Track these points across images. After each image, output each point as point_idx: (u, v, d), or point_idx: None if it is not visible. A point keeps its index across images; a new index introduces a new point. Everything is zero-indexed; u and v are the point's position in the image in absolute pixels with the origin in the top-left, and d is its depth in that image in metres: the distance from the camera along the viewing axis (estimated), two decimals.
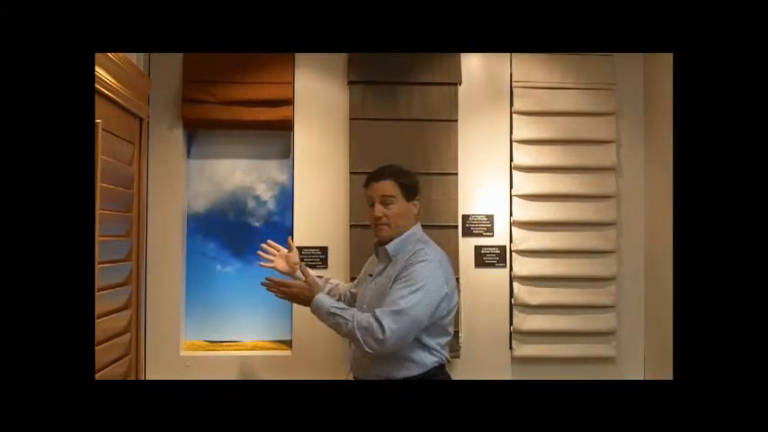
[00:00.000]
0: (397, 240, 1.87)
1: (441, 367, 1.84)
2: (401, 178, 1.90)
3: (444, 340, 1.84)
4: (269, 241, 2.14)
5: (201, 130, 2.65)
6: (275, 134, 2.65)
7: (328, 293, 2.03)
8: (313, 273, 2.03)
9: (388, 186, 1.88)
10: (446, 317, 1.82)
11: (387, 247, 1.88)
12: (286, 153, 2.68)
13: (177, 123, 2.58)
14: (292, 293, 1.88)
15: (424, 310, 1.73)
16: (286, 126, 2.59)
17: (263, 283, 1.89)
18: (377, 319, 1.70)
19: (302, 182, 2.61)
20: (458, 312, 2.20)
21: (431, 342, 1.80)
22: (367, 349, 1.73)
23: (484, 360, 2.61)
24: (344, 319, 1.76)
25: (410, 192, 1.90)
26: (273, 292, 1.89)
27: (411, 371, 1.78)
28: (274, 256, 2.12)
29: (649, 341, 2.67)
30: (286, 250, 2.13)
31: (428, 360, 1.80)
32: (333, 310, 1.79)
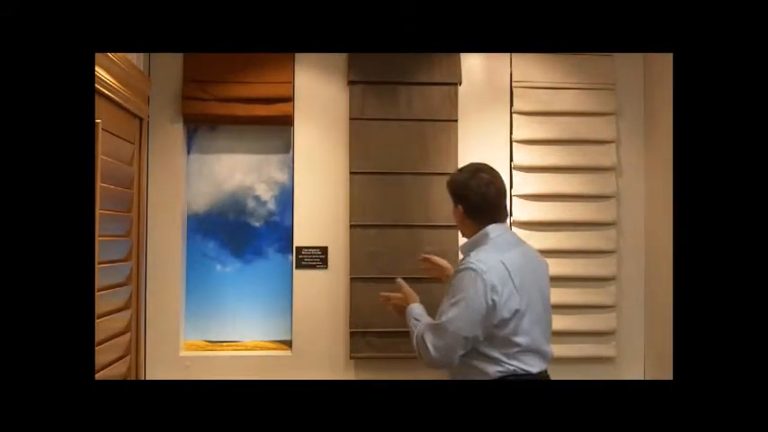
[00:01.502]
0: (467, 243, 1.84)
1: (513, 377, 1.71)
2: (446, 183, 1.91)
3: (512, 350, 1.70)
4: (424, 256, 2.22)
5: (201, 130, 2.65)
6: (275, 134, 2.65)
7: None
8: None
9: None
10: (502, 327, 1.68)
11: (460, 247, 1.89)
12: (286, 153, 2.68)
13: (177, 123, 2.58)
14: (393, 304, 2.02)
15: (463, 324, 1.66)
16: (286, 121, 2.59)
17: (381, 298, 2.08)
18: (422, 335, 1.75)
19: (302, 182, 2.61)
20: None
21: (492, 353, 1.70)
22: (424, 362, 1.76)
23: None
24: (413, 331, 1.83)
25: (452, 197, 1.88)
26: (382, 303, 2.06)
27: (475, 379, 1.74)
28: (432, 266, 2.21)
29: (649, 341, 2.67)
30: (441, 262, 2.21)
31: (490, 370, 1.70)
32: (411, 322, 1.87)
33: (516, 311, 1.68)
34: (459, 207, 1.83)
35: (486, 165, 1.92)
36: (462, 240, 1.92)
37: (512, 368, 1.70)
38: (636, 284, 2.70)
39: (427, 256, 2.17)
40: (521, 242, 1.87)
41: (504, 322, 1.68)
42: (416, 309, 1.90)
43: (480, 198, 1.79)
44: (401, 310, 1.97)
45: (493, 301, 1.66)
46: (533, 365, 1.74)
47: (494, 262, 1.70)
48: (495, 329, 1.68)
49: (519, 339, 1.70)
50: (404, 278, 2.49)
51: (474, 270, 1.68)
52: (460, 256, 1.88)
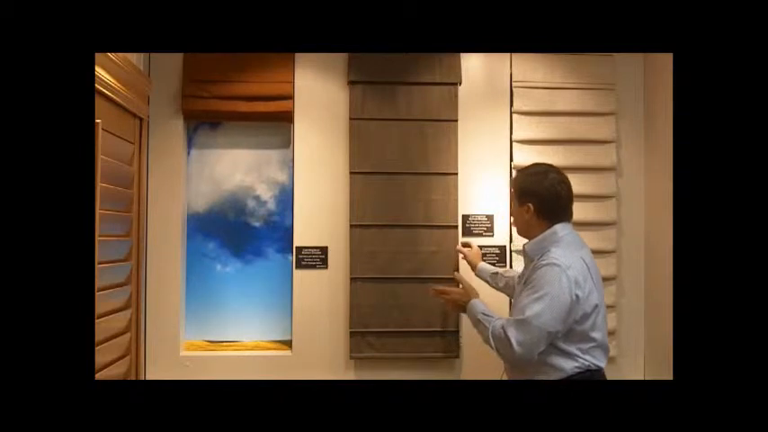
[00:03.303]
0: (534, 241, 1.85)
1: (588, 373, 1.74)
2: (514, 182, 1.95)
3: (587, 345, 1.74)
4: (461, 243, 2.51)
5: (202, 129, 2.65)
6: (276, 131, 2.65)
7: (504, 286, 2.26)
8: (488, 264, 2.42)
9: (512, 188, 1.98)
10: (582, 322, 1.72)
11: (524, 246, 1.90)
12: (286, 153, 2.68)
13: (177, 123, 2.58)
14: (451, 299, 2.08)
15: (549, 319, 1.68)
16: (286, 118, 2.59)
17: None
18: (504, 330, 1.74)
19: (302, 182, 2.61)
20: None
21: (569, 348, 1.73)
22: (502, 359, 1.79)
23: (484, 360, 2.60)
24: (485, 327, 1.83)
25: (520, 195, 1.89)
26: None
27: (551, 376, 1.74)
28: (468, 250, 2.46)
29: (649, 341, 2.67)
30: (476, 248, 2.47)
31: (567, 366, 1.73)
32: (479, 316, 1.89)
33: (595, 306, 1.74)
34: (530, 206, 1.85)
35: (552, 165, 1.96)
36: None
37: (586, 363, 1.74)
38: (636, 284, 2.70)
39: (461, 245, 2.21)
40: (584, 241, 1.91)
41: (585, 317, 1.72)
42: (480, 304, 1.94)
43: (554, 197, 1.83)
44: (461, 305, 2.01)
45: (576, 296, 1.70)
46: (601, 361, 1.78)
47: (574, 258, 1.75)
48: (575, 324, 1.72)
49: (595, 334, 1.75)
50: (404, 278, 2.51)
51: (558, 266, 1.71)
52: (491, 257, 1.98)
